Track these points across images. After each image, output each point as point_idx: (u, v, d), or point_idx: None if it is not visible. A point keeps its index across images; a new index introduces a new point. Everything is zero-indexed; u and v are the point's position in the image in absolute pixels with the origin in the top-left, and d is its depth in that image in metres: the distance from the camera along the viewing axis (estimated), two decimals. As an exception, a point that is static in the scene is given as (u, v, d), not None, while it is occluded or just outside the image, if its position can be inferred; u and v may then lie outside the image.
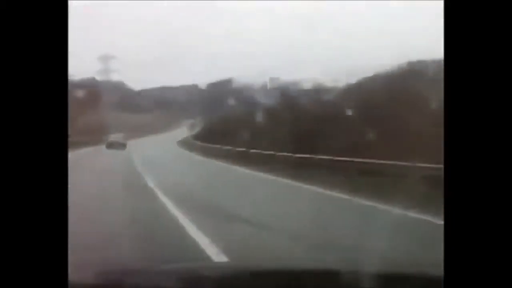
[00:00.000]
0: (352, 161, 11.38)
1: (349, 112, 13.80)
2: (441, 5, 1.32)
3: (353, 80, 19.99)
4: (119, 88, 58.16)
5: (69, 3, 1.37)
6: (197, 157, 22.06)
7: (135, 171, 15.17)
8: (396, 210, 7.18)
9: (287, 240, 5.39)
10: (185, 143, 32.29)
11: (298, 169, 12.55)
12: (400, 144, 10.63)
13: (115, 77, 59.25)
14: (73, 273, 1.32)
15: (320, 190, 10.28)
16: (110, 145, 29.29)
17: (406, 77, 16.28)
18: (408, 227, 6.37)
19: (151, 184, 10.96)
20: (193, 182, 12.34)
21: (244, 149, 17.31)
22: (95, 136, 34.69)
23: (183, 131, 37.87)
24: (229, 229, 6.03)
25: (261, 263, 1.98)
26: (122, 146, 28.93)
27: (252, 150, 16.31)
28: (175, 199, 8.22)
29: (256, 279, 1.52)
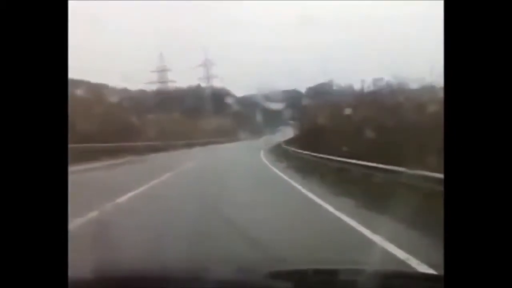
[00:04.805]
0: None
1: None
2: (441, 5, 1.33)
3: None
4: (223, 94, 61.10)
5: (69, 3, 1.38)
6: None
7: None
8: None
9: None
10: (273, 149, 29.20)
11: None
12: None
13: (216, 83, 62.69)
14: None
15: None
16: None
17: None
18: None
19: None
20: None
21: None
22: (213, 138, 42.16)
23: (282, 135, 38.72)
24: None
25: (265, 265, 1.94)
26: None
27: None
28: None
29: (262, 280, 1.50)
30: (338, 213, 6.83)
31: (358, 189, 8.99)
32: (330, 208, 7.30)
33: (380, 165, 8.95)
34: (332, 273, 1.60)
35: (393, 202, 6.60)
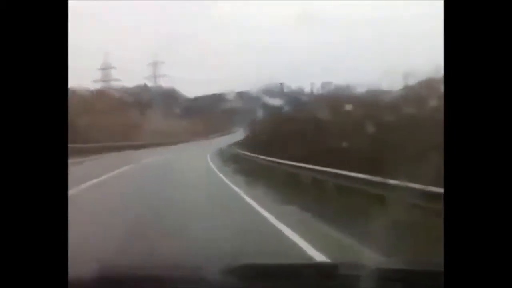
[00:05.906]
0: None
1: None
2: (441, 5, 1.34)
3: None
4: (172, 95, 59.95)
5: (69, 3, 1.38)
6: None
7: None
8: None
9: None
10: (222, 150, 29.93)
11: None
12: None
13: (165, 83, 61.24)
14: None
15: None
16: None
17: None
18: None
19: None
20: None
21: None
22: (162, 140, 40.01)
23: (233, 137, 38.70)
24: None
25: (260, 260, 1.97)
26: None
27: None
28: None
29: (256, 275, 1.51)
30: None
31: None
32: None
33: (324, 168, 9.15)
34: (331, 268, 1.62)
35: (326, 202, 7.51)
